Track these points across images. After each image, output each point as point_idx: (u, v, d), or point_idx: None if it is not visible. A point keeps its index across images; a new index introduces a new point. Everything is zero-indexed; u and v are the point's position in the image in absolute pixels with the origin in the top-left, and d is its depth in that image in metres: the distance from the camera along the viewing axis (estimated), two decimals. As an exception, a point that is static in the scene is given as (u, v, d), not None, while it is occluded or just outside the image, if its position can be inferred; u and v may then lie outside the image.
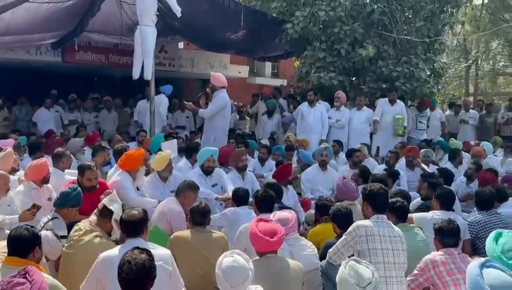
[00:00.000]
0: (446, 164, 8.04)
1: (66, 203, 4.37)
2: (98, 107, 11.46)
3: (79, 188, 4.59)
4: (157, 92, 9.35)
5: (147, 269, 2.70)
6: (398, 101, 9.58)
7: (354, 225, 3.85)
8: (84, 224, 3.98)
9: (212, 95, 8.25)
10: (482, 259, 2.49)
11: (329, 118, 9.44)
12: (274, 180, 6.05)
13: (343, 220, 4.14)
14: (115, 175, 5.61)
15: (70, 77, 12.61)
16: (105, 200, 4.03)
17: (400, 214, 4.46)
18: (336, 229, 4.27)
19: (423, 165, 7.47)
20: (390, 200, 4.32)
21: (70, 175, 5.85)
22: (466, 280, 2.47)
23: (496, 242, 2.99)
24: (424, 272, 3.75)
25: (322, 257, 4.08)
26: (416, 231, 4.48)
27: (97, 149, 6.71)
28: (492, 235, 3.17)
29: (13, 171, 5.50)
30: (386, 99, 9.58)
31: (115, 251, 3.34)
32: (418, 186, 6.35)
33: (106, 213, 3.95)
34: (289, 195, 6.33)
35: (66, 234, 4.10)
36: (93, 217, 4.02)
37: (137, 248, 2.80)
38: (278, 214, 4.04)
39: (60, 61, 11.34)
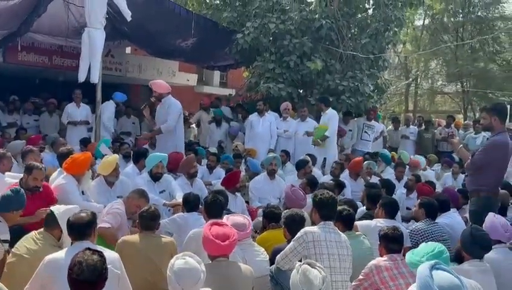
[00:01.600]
0: (388, 175, 8.36)
1: (9, 206, 4.20)
2: (40, 110, 11.07)
3: (22, 190, 4.43)
4: (108, 98, 9.17)
5: (99, 270, 2.65)
6: (328, 111, 9.17)
7: (301, 231, 3.94)
8: (30, 234, 3.85)
9: (160, 104, 8.15)
10: (432, 261, 2.59)
11: (276, 128, 9.57)
12: (222, 187, 6.07)
13: (296, 226, 4.19)
14: (59, 178, 5.44)
15: (11, 78, 12.12)
16: (51, 207, 3.92)
17: (347, 222, 4.61)
18: (287, 234, 4.34)
19: (367, 176, 7.74)
20: (338, 209, 4.44)
21: (11, 178, 5.63)
22: (416, 281, 2.56)
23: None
24: (369, 277, 3.86)
25: (271, 261, 4.13)
26: (362, 238, 4.62)
27: (26, 151, 6.50)
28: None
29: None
30: None
31: (61, 254, 3.25)
32: (362, 196, 6.55)
33: (51, 219, 3.82)
34: (237, 202, 6.36)
35: (9, 238, 3.94)
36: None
37: (89, 249, 2.74)
38: (232, 219, 4.06)
39: (1, 61, 10.90)
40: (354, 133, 10.52)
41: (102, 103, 8.29)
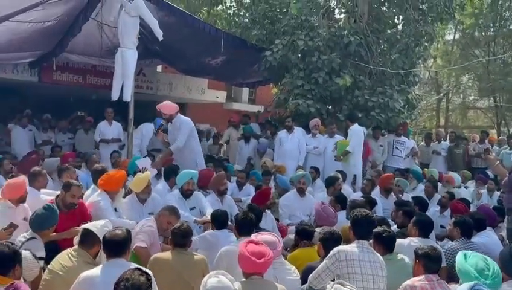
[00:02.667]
0: (420, 193, 8.21)
1: (44, 224, 4.29)
2: (75, 128, 11.31)
3: (55, 207, 4.51)
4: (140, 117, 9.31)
5: None
6: (353, 127, 9.13)
7: (335, 249, 3.89)
8: (65, 251, 3.92)
9: (171, 124, 8.15)
10: (471, 283, 2.54)
11: (306, 144, 9.54)
12: (254, 204, 6.07)
13: (332, 244, 4.14)
14: (93, 195, 5.54)
15: (46, 97, 12.46)
16: (85, 225, 3.98)
17: (388, 245, 4.43)
18: (322, 251, 4.30)
19: (398, 193, 7.63)
20: (377, 229, 4.37)
21: (47, 195, 5.77)
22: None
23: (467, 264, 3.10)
24: (404, 299, 3.78)
25: (303, 280, 4.09)
26: (407, 262, 4.38)
27: (63, 169, 6.67)
28: (460, 258, 3.27)
29: (-12, 189, 5.38)
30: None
31: (96, 271, 3.30)
32: (394, 214, 6.44)
33: (88, 237, 3.88)
34: (267, 220, 6.34)
35: (44, 256, 4.02)
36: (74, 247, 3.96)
37: (139, 269, 2.79)
38: (263, 237, 4.05)
39: (36, 81, 11.22)
40: (385, 149, 10.40)
41: (135, 122, 8.41)
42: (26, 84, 11.47)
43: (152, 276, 3.41)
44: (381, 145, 10.38)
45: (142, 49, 8.80)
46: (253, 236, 4.07)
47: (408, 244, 4.84)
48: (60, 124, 11.20)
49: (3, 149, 9.87)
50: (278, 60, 10.05)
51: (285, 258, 4.78)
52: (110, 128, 9.85)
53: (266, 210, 6.45)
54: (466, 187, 9.70)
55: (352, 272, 3.76)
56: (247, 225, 4.57)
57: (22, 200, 5.09)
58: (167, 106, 8.09)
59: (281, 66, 10.31)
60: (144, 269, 3.14)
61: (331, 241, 4.29)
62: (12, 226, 4.49)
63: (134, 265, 3.31)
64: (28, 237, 4.20)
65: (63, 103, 13.02)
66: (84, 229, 3.91)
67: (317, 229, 5.33)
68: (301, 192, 7.27)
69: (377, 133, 10.36)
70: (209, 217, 5.51)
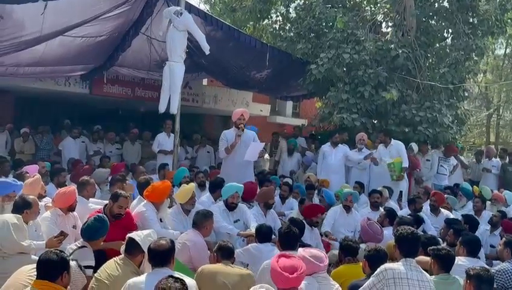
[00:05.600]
0: (470, 211, 7.95)
1: (95, 235, 4.40)
2: (123, 139, 11.60)
3: (106, 219, 4.62)
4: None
5: None
6: (393, 142, 9.25)
7: (382, 267, 3.82)
8: (112, 260, 4.00)
9: (244, 132, 8.08)
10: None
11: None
12: (297, 217, 6.03)
13: (378, 262, 4.07)
14: (139, 206, 5.65)
15: (96, 109, 12.86)
16: (130, 234, 4.05)
17: (446, 263, 4.31)
18: (367, 269, 4.23)
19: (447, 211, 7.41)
20: (436, 247, 4.34)
21: (94, 204, 5.92)
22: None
23: None
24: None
25: (348, 297, 4.03)
26: (460, 284, 4.19)
27: (114, 180, 6.83)
28: None
29: (40, 197, 5.58)
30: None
31: (142, 278, 3.37)
32: (443, 232, 6.26)
33: (132, 246, 3.95)
34: (313, 235, 6.29)
35: (93, 264, 4.12)
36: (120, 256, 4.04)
37: (172, 276, 2.81)
38: (309, 251, 4.01)
39: (88, 93, 11.61)
40: (434, 164, 10.14)
41: (181, 134, 8.53)
42: (77, 96, 11.86)
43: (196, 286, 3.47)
44: (428, 160, 10.14)
45: (189, 62, 8.96)
46: (301, 250, 4.03)
47: (456, 264, 4.68)
48: (108, 135, 11.52)
49: (54, 159, 10.18)
50: (323, 73, 9.98)
51: (329, 274, 4.73)
52: (168, 140, 10.01)
53: (313, 227, 6.40)
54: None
55: (401, 290, 3.67)
56: (290, 238, 4.53)
57: (71, 208, 5.26)
58: (247, 113, 8.15)
59: (325, 80, 10.24)
60: (178, 275, 3.15)
61: (376, 258, 4.21)
62: (63, 234, 4.61)
63: (179, 274, 3.34)
64: (79, 245, 4.32)
65: (112, 115, 13.40)
66: (129, 238, 3.98)
67: (362, 246, 5.25)
68: (347, 209, 7.19)
69: (424, 148, 10.12)
70: (253, 230, 5.51)
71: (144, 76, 11.67)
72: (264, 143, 7.50)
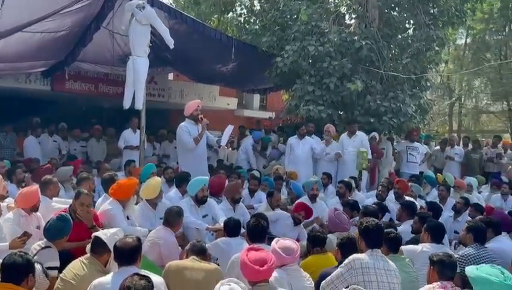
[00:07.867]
0: (433, 198, 8.14)
1: (58, 235, 4.30)
2: (89, 136, 11.38)
3: (68, 217, 4.52)
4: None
5: None
6: (358, 133, 9.45)
7: (349, 257, 3.88)
8: (77, 260, 3.92)
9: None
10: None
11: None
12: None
13: (350, 250, 4.13)
14: (104, 204, 5.54)
15: (59, 106, 12.56)
16: (96, 233, 3.98)
17: (393, 245, 4.51)
18: (339, 256, 4.31)
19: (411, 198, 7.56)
20: (385, 231, 4.38)
21: (58, 203, 5.78)
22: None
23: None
24: (418, 305, 3.74)
25: (318, 286, 4.06)
26: (408, 261, 4.50)
27: (82, 178, 6.67)
28: (471, 269, 3.30)
29: (1, 198, 5.42)
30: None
31: (107, 278, 3.30)
32: (398, 214, 6.48)
33: (98, 245, 3.88)
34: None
35: (58, 265, 4.03)
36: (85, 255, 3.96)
37: (137, 274, 2.77)
38: (282, 242, 4.02)
39: (49, 90, 11.33)
40: (403, 153, 10.53)
41: (147, 130, 8.43)
42: (38, 93, 11.57)
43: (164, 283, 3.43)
44: (383, 148, 10.33)
45: (153, 57, 8.84)
46: (274, 242, 4.04)
47: (421, 251, 4.80)
48: (74, 132, 11.25)
49: (16, 159, 9.90)
50: (289, 66, 10.02)
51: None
52: (134, 136, 9.87)
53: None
54: (480, 192, 9.59)
55: (368, 280, 3.75)
56: (259, 231, 4.54)
57: (35, 209, 5.12)
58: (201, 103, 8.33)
59: (291, 72, 10.28)
60: (142, 272, 3.10)
61: (349, 246, 4.27)
62: (26, 235, 4.49)
63: (146, 272, 3.30)
64: (43, 246, 4.21)
65: (75, 112, 13.12)
66: (95, 237, 3.91)
67: (330, 236, 5.30)
68: (313, 198, 7.24)
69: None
70: (221, 224, 5.49)
71: (108, 71, 11.48)
72: (233, 126, 7.65)
